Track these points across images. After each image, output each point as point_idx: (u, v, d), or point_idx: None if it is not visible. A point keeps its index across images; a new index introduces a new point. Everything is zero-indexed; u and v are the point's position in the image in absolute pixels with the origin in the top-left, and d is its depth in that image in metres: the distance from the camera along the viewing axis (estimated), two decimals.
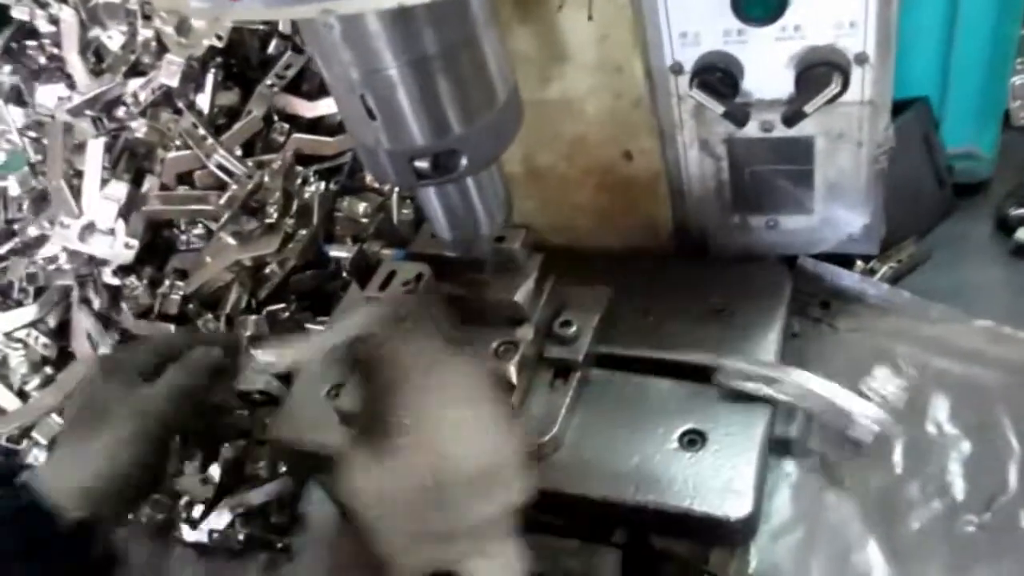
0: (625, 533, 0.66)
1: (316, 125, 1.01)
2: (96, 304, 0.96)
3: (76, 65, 1.05)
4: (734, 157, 0.71)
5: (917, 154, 0.79)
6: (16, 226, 1.05)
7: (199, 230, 0.98)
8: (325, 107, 0.99)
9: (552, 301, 0.69)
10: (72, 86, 1.06)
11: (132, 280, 0.96)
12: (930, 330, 0.73)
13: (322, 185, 0.95)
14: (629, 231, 0.78)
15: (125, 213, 0.95)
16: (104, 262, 0.97)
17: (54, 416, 0.93)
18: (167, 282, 0.95)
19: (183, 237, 0.99)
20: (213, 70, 0.98)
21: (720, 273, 0.74)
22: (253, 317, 0.91)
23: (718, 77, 0.63)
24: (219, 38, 0.97)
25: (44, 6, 1.10)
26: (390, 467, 0.51)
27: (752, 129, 0.67)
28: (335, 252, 0.95)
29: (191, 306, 0.94)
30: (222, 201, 0.93)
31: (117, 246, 0.95)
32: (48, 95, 1.07)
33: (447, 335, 0.62)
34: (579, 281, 0.71)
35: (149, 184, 0.98)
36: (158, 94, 0.99)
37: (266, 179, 0.93)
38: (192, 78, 0.98)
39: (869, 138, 0.67)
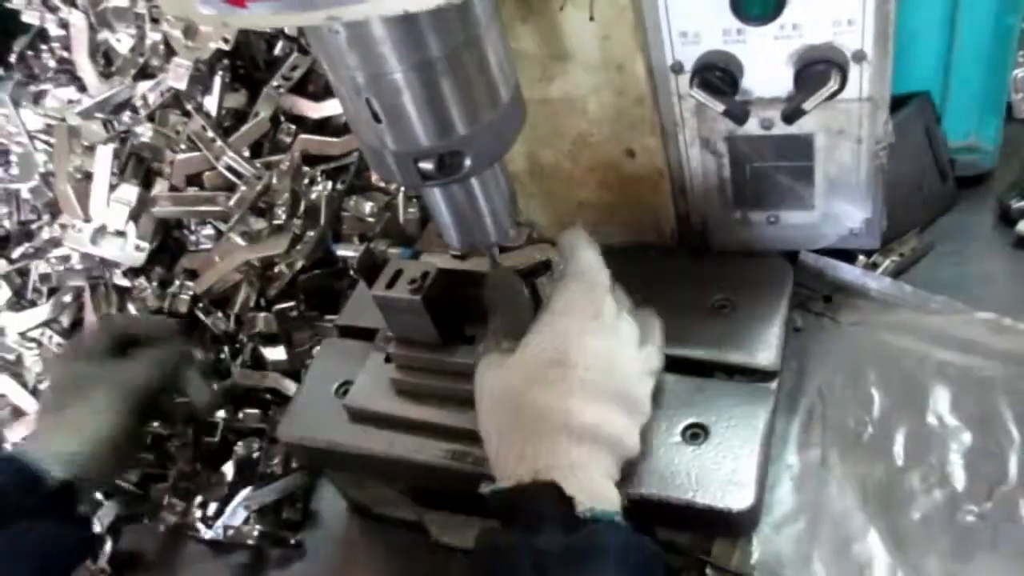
0: (631, 525, 0.66)
1: (322, 125, 1.01)
2: (105, 308, 0.98)
3: (86, 68, 1.07)
4: (735, 154, 0.72)
5: (919, 148, 0.79)
6: (32, 227, 1.06)
7: (208, 230, 0.99)
8: (331, 108, 1.00)
9: None
10: (82, 89, 1.07)
11: (141, 282, 0.97)
12: (931, 322, 0.73)
13: (329, 185, 0.96)
14: (632, 227, 0.79)
15: (135, 216, 0.97)
16: (115, 264, 0.98)
17: None
18: (177, 282, 0.96)
19: (193, 237, 1.00)
20: (220, 72, 0.99)
21: (722, 268, 0.74)
22: (262, 314, 0.92)
23: (718, 76, 0.64)
24: (226, 41, 0.98)
25: (54, 10, 1.12)
26: (516, 360, 0.57)
27: (752, 126, 0.68)
28: (342, 251, 0.96)
29: (200, 305, 0.95)
30: (231, 202, 0.94)
31: (128, 248, 0.97)
32: (58, 98, 1.08)
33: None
34: None
35: (160, 187, 0.99)
36: (167, 97, 1.00)
37: (274, 180, 0.94)
38: (200, 81, 0.99)
39: (868, 134, 0.68)
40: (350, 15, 0.44)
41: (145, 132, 0.99)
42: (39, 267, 1.02)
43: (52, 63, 1.12)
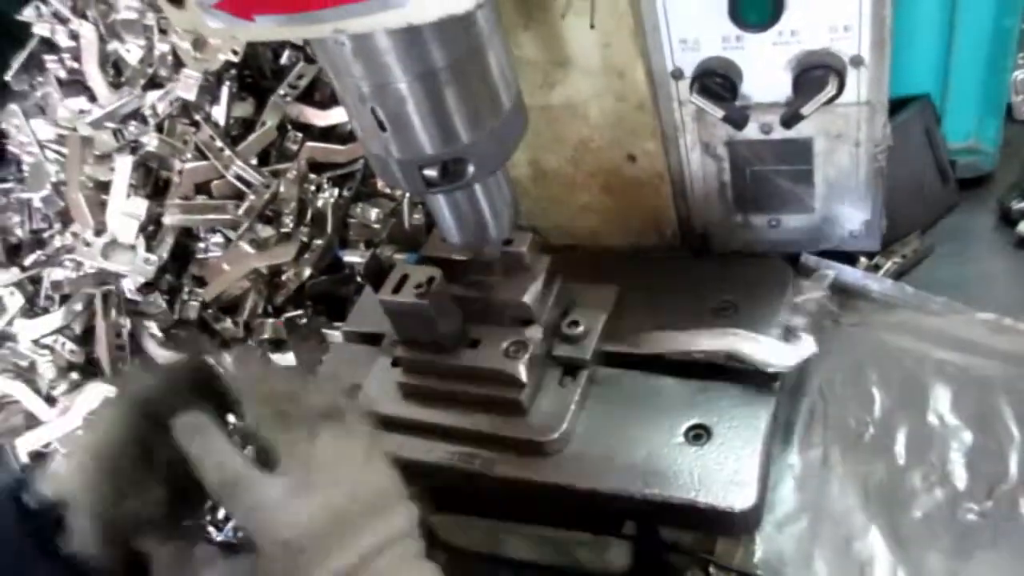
0: (635, 525, 0.67)
1: (328, 133, 1.02)
2: (116, 316, 0.99)
3: (96, 78, 1.08)
4: (735, 158, 0.73)
5: (920, 150, 0.80)
6: (44, 235, 1.08)
7: (217, 238, 1.00)
8: (337, 116, 1.01)
9: (560, 301, 0.71)
10: (92, 99, 1.09)
11: (155, 297, 0.98)
12: (932, 322, 0.74)
13: (335, 192, 0.97)
14: (633, 231, 0.80)
15: (145, 228, 0.98)
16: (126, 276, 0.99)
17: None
18: (186, 289, 0.98)
19: (201, 245, 1.01)
20: (228, 83, 1.00)
21: (723, 271, 0.75)
22: (271, 321, 0.93)
23: (717, 82, 0.65)
24: (235, 53, 0.99)
25: (64, 21, 1.13)
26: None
27: (752, 131, 0.69)
28: (349, 257, 0.97)
29: (209, 312, 0.96)
30: (240, 211, 0.95)
31: (138, 262, 0.98)
32: (69, 108, 1.10)
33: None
34: (585, 280, 0.73)
35: (171, 198, 1.00)
36: (175, 106, 1.01)
37: (281, 188, 0.95)
38: (208, 91, 1.00)
39: (867, 137, 0.69)
40: (356, 28, 0.45)
41: (151, 141, 1.01)
42: (51, 274, 1.04)
43: (62, 73, 1.14)
